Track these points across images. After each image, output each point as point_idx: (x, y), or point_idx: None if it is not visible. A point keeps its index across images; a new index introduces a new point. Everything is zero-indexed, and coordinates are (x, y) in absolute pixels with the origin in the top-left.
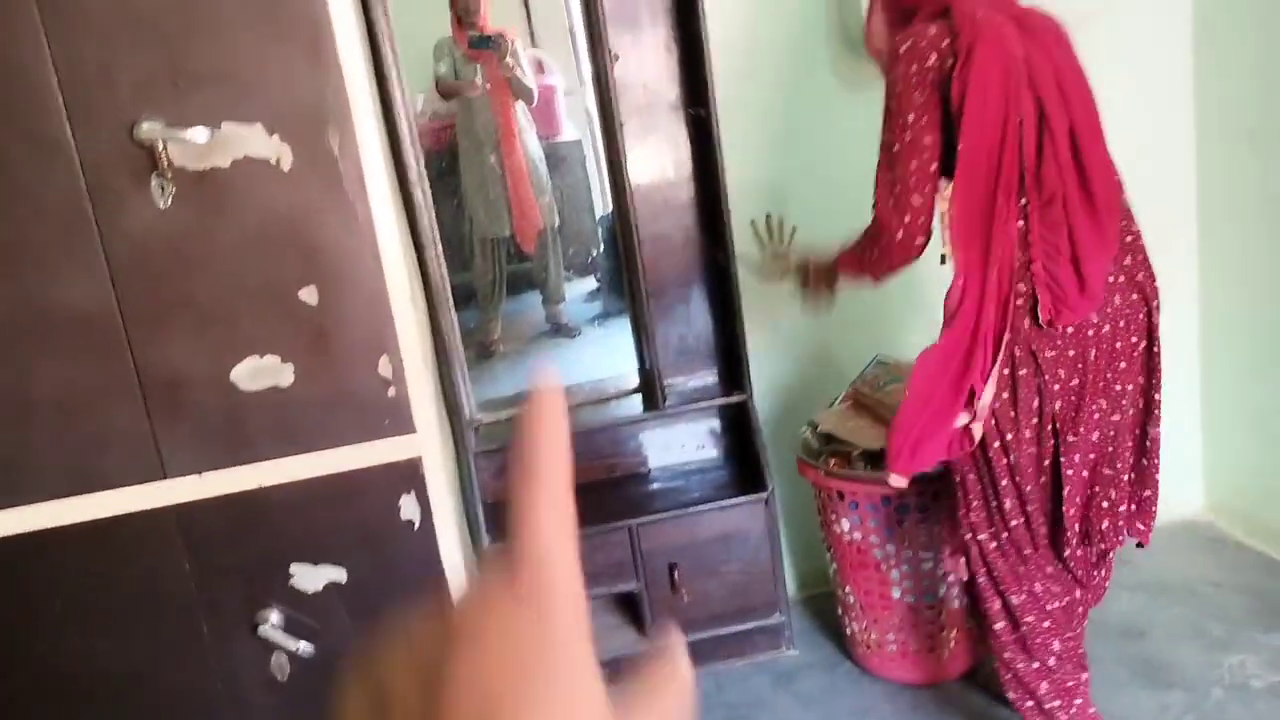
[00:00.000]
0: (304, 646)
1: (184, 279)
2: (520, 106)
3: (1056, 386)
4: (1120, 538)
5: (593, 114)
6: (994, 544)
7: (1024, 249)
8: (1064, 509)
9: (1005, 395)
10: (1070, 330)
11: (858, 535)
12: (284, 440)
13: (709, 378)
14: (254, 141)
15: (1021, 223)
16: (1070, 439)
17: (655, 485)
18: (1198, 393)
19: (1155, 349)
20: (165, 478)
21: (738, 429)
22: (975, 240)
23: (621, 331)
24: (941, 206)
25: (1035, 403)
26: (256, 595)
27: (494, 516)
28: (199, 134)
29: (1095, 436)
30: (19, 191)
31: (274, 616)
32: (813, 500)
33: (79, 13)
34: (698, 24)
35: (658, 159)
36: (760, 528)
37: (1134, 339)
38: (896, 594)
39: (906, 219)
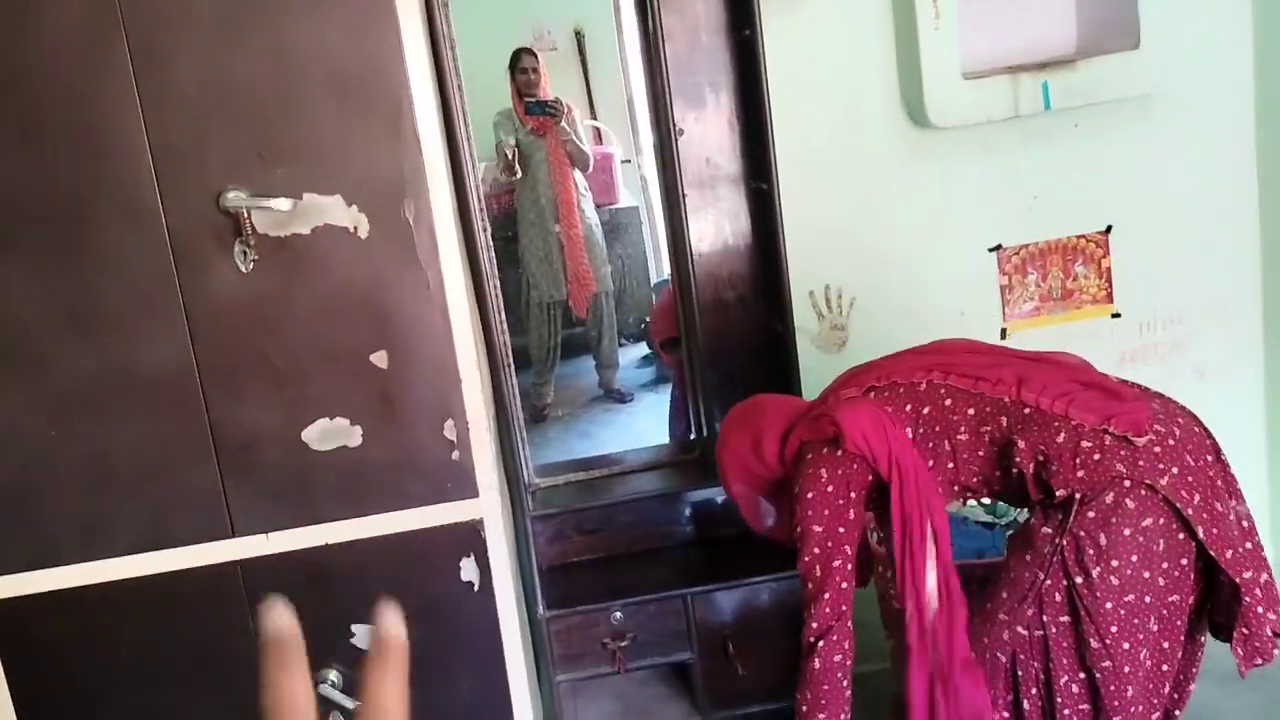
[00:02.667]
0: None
1: (261, 341)
2: (578, 175)
3: None
4: None
5: (650, 181)
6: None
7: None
8: None
9: None
10: None
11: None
12: (350, 501)
13: None
14: (334, 211)
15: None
16: None
17: (710, 555)
18: (1264, 468)
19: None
20: (233, 535)
21: None
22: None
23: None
24: None
25: None
26: (317, 654)
27: (548, 581)
28: (282, 203)
29: None
30: (109, 257)
31: (334, 676)
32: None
33: (172, 90)
34: (761, 100)
35: (718, 230)
36: None
37: None
38: None
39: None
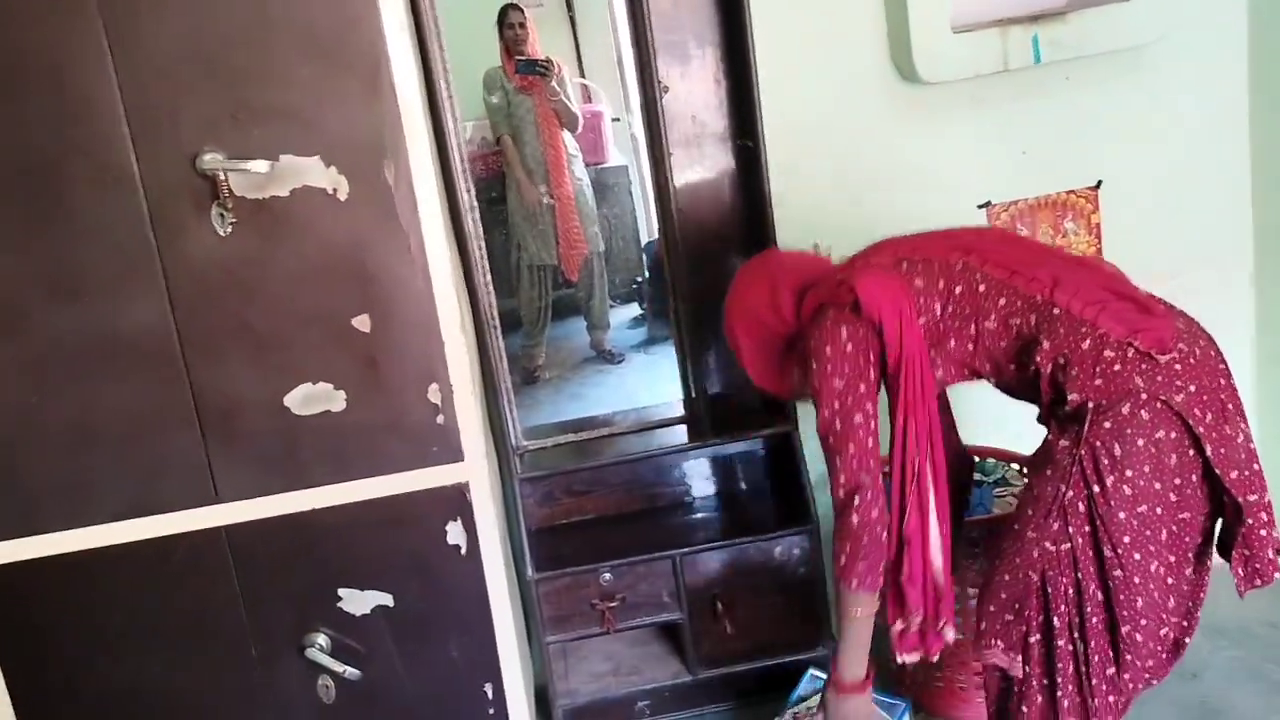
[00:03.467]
0: (350, 671)
1: (241, 306)
2: (567, 135)
3: None
4: None
5: (639, 140)
6: None
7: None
8: None
9: None
10: None
11: None
12: (335, 465)
13: (753, 407)
14: (312, 172)
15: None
16: None
17: (699, 515)
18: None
19: None
20: (218, 501)
21: (782, 459)
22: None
23: (666, 358)
24: None
25: None
26: (305, 619)
27: (538, 543)
28: (259, 165)
29: None
30: (85, 220)
31: (321, 640)
32: None
33: (147, 49)
34: (747, 55)
35: (705, 188)
36: (806, 560)
37: None
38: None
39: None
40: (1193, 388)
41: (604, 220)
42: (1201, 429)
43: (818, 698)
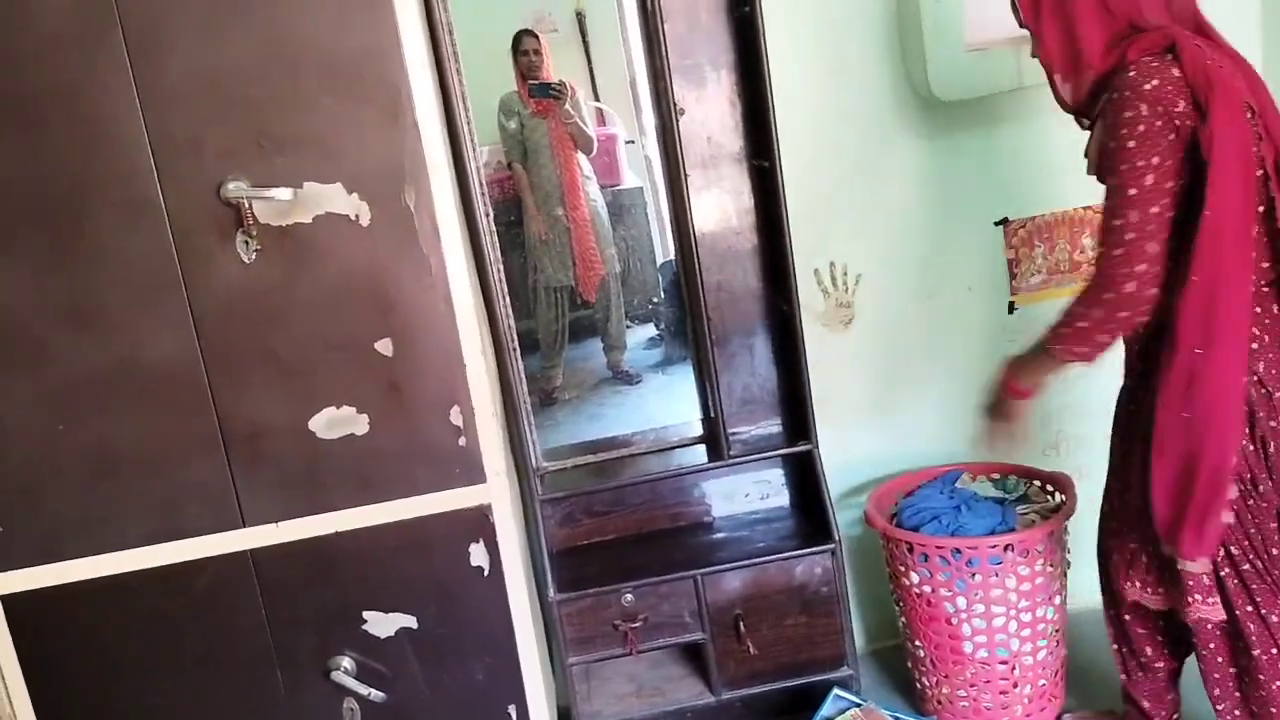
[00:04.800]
0: (375, 694)
1: (266, 332)
2: (581, 158)
3: None
4: None
5: (654, 161)
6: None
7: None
8: None
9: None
10: None
11: (927, 588)
12: (358, 488)
13: (773, 426)
14: (334, 199)
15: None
16: None
17: (720, 535)
18: None
19: None
20: (244, 525)
21: (802, 478)
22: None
23: (683, 379)
24: None
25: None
26: (329, 642)
27: (559, 565)
28: (283, 193)
29: None
30: (109, 250)
31: (346, 663)
32: (878, 550)
33: (170, 80)
34: (762, 77)
35: (721, 209)
36: (828, 579)
37: None
38: (968, 649)
39: (1140, 268)
40: None
41: (620, 241)
42: None
43: (842, 716)
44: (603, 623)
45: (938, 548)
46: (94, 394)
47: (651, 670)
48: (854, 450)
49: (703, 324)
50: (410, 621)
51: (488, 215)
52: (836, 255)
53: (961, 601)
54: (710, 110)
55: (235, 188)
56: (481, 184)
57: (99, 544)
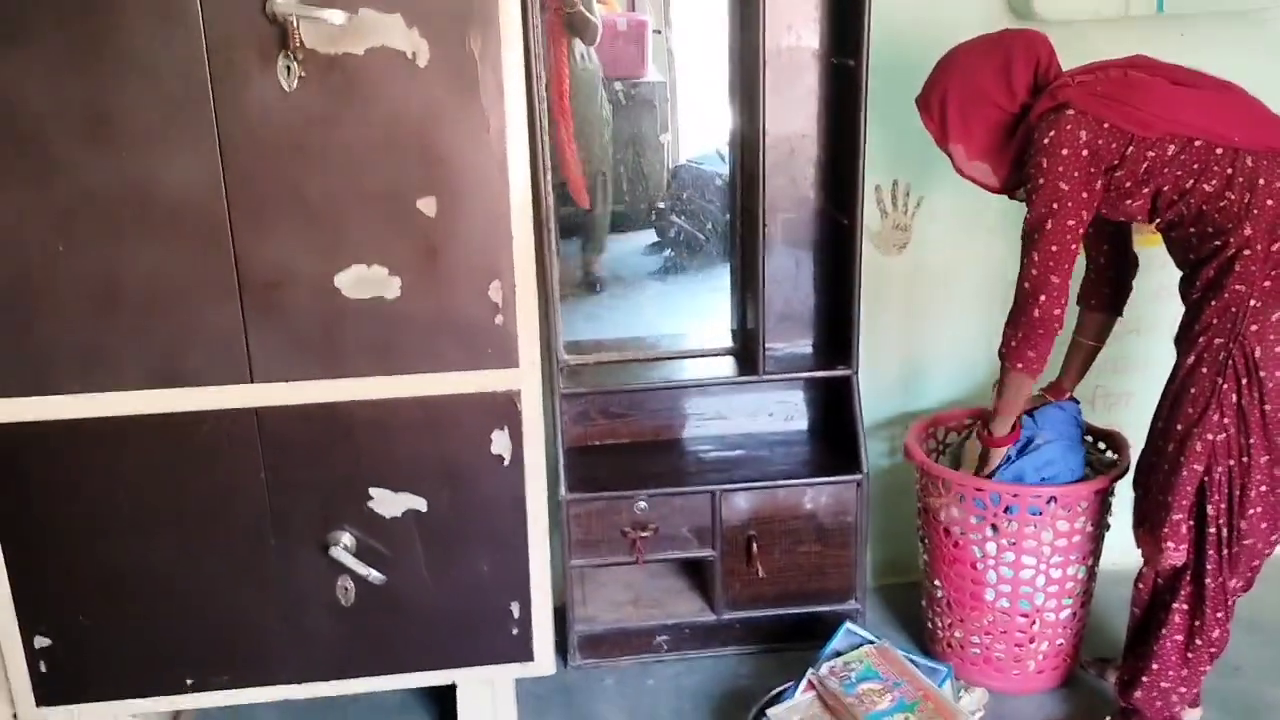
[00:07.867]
0: (374, 575)
1: (299, 171)
2: (583, 47)
3: None
4: None
5: (676, 55)
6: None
7: None
8: None
9: None
10: None
11: (958, 529)
12: (381, 356)
13: (805, 346)
14: (391, 31)
15: None
16: None
17: (739, 452)
18: None
19: None
20: (252, 381)
21: (833, 404)
22: None
23: (681, 289)
24: None
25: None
26: (331, 515)
27: (570, 463)
28: (335, 15)
29: None
30: (136, 58)
31: (347, 539)
32: (898, 485)
33: None
34: None
35: (788, 109)
36: (849, 509)
37: None
38: (990, 596)
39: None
40: None
41: (628, 141)
42: None
43: (855, 652)
44: (611, 528)
45: (976, 489)
46: (101, 216)
47: (650, 580)
48: (882, 381)
49: (757, 232)
50: (420, 504)
51: (540, 79)
52: (901, 174)
53: (991, 547)
54: None
55: (284, 3)
56: (543, 41)
57: (92, 381)
